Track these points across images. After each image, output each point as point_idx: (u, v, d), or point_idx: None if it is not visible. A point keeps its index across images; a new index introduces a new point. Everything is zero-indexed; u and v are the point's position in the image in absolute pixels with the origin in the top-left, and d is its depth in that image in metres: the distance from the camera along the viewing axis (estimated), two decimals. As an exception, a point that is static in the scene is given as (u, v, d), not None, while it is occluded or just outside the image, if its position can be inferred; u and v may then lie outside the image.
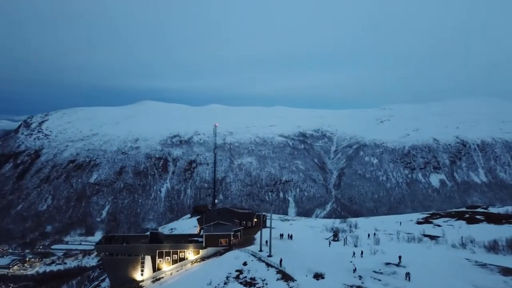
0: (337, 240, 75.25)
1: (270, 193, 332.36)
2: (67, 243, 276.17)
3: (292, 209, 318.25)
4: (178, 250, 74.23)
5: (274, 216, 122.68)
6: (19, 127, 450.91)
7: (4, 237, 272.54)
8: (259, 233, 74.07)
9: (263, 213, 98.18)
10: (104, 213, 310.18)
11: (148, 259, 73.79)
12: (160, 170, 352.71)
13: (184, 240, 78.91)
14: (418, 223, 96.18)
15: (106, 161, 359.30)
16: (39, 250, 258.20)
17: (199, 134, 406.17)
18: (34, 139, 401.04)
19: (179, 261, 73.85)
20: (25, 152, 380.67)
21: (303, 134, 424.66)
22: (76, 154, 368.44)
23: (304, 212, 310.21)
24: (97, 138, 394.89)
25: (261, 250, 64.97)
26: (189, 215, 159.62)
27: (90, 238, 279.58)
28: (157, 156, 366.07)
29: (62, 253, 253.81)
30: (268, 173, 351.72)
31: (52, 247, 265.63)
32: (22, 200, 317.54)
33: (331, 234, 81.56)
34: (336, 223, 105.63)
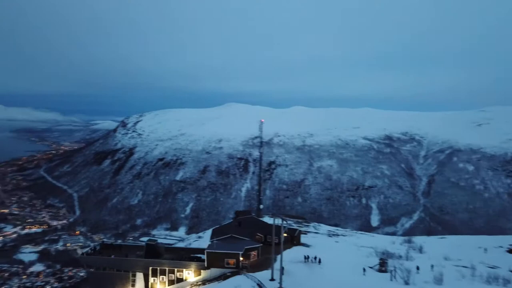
0: (384, 271, 58.36)
1: (351, 199, 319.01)
2: (153, 236, 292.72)
3: (375, 217, 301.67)
4: (176, 269, 60.18)
5: (323, 229, 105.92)
6: (117, 127, 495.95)
7: (101, 227, 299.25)
8: (285, 252, 59.25)
9: (297, 226, 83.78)
10: (188, 209, 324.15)
11: (140, 277, 61.37)
12: (241, 170, 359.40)
13: (186, 256, 64.63)
14: (510, 251, 71.02)
15: (191, 160, 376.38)
16: (129, 241, 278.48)
17: (279, 135, 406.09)
18: (129, 138, 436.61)
19: (176, 282, 60.11)
20: (121, 149, 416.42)
21: (389, 137, 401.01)
22: (164, 153, 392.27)
23: (388, 220, 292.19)
24: (184, 138, 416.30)
25: (272, 279, 52.49)
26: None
27: (174, 233, 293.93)
28: (238, 157, 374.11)
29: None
30: (349, 178, 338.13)
31: (141, 239, 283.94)
32: (117, 194, 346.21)
33: (378, 260, 62.62)
34: (397, 243, 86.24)
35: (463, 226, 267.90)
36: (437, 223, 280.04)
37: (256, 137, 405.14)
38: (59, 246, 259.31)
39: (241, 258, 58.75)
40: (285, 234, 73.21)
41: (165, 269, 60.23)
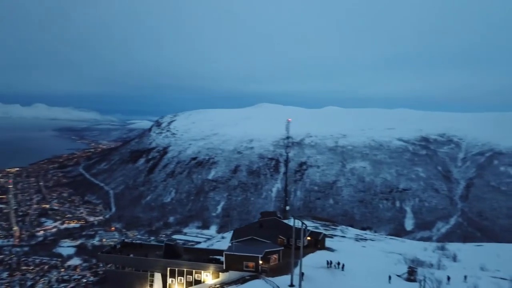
0: (413, 280, 54.31)
1: (384, 201, 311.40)
2: (185, 234, 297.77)
3: (409, 221, 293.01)
4: (194, 270, 58.50)
5: (351, 233, 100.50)
6: (152, 126, 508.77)
7: (135, 224, 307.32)
8: (308, 257, 58.88)
9: (322, 230, 79.28)
10: (219, 208, 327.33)
11: (158, 277, 60.27)
12: (272, 170, 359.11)
13: (204, 257, 62.69)
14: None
15: (223, 160, 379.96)
16: (161, 238, 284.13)
17: (310, 136, 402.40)
18: (163, 137, 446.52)
19: (194, 284, 58.56)
20: (155, 148, 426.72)
21: (426, 139, 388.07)
22: (197, 152, 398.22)
23: (423, 224, 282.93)
24: (216, 137, 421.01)
25: (291, 285, 49.91)
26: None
27: (205, 231, 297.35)
28: (269, 157, 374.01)
29: (181, 243, 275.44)
30: (383, 180, 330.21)
31: (173, 236, 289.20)
32: (151, 192, 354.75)
33: (407, 269, 58.04)
34: (429, 249, 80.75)
35: (503, 233, 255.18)
36: (476, 229, 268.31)
37: (287, 138, 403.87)
38: (95, 241, 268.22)
39: (260, 262, 56.21)
40: (308, 238, 71.19)
41: (183, 270, 58.71)
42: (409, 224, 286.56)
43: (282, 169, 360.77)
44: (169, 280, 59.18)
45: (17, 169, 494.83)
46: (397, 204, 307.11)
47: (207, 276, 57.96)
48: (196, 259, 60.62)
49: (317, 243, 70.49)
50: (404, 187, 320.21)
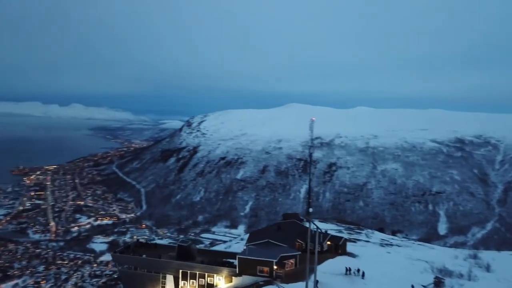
0: None
1: (416, 204, 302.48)
2: (214, 233, 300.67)
3: (443, 225, 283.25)
4: (206, 273, 56.09)
5: (376, 238, 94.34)
6: (182, 126, 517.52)
7: (165, 222, 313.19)
8: (326, 263, 56.13)
9: (344, 234, 75.02)
10: (247, 208, 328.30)
11: (170, 279, 58.38)
12: (300, 171, 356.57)
13: (218, 260, 59.35)
14: None
15: (252, 160, 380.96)
16: (190, 236, 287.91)
17: (340, 136, 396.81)
18: (194, 137, 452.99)
19: None
20: (185, 148, 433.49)
21: (461, 140, 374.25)
22: (226, 152, 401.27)
23: (458, 229, 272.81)
24: (245, 138, 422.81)
25: None
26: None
27: (233, 231, 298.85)
28: (298, 157, 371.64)
29: (209, 242, 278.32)
30: (415, 182, 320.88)
31: (201, 235, 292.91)
32: (181, 191, 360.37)
33: (433, 279, 53.09)
34: (460, 257, 73.82)
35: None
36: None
37: (316, 138, 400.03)
38: (127, 238, 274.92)
39: (275, 267, 53.02)
40: (328, 242, 67.93)
41: (196, 273, 56.55)
42: (442, 228, 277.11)
43: (311, 170, 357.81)
44: (181, 283, 57.57)
45: (55, 166, 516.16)
46: (430, 207, 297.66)
47: (220, 280, 55.57)
48: (210, 262, 58.08)
49: (338, 248, 67.27)
50: (438, 190, 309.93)
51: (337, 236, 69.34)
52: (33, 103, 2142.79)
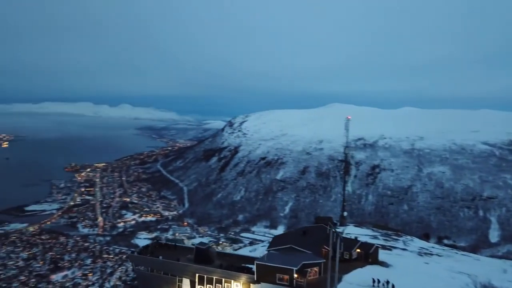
0: None
1: (465, 210, 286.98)
2: (253, 233, 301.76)
3: (494, 232, 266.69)
4: (224, 279, 53.26)
5: (414, 246, 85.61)
6: (224, 126, 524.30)
7: (206, 220, 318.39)
8: (354, 272, 52.53)
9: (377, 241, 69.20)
10: (287, 209, 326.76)
11: (186, 283, 56.32)
12: (342, 172, 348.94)
13: (237, 265, 56.01)
14: None
15: (292, 160, 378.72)
16: (230, 235, 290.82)
17: (385, 138, 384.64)
18: (235, 137, 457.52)
19: None
20: (227, 148, 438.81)
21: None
22: (266, 152, 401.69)
23: (511, 237, 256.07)
24: (285, 138, 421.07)
25: None
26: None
27: (273, 231, 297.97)
28: (339, 158, 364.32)
29: (249, 242, 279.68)
30: (464, 186, 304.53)
31: (241, 234, 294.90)
32: (222, 190, 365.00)
33: None
34: (510, 271, 66.30)
35: None
36: None
37: (359, 139, 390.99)
38: (169, 235, 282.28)
39: (295, 275, 49.55)
40: (358, 250, 62.96)
41: (212, 278, 53.73)
42: (494, 235, 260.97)
43: (353, 172, 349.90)
44: (197, 287, 55.39)
45: (104, 164, 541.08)
46: (481, 213, 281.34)
47: (238, 287, 52.94)
48: (227, 267, 55.07)
49: (368, 256, 62.26)
50: (489, 195, 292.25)
51: (368, 243, 64.93)
52: (85, 103, 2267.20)
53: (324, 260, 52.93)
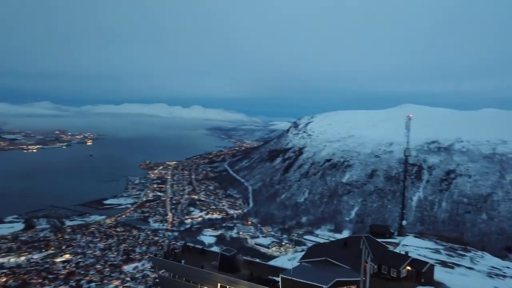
0: None
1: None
2: (317, 236, 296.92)
3: None
4: None
5: (484, 264, 72.00)
6: (290, 127, 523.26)
7: (269, 220, 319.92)
8: None
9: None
10: (353, 213, 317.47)
11: None
12: (413, 177, 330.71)
13: (262, 276, 49.96)
14: None
15: (359, 163, 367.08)
16: (293, 237, 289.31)
17: (461, 141, 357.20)
18: (300, 138, 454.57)
19: None
20: (291, 149, 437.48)
21: None
22: (332, 154, 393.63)
23: None
24: (352, 140, 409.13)
25: None
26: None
27: (337, 235, 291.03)
28: (410, 162, 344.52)
29: (312, 244, 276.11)
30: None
31: (304, 237, 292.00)
32: (286, 191, 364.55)
33: None
34: None
35: None
36: None
37: (432, 142, 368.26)
38: (233, 233, 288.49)
39: None
40: (408, 268, 54.95)
41: None
42: None
43: (426, 177, 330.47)
44: None
45: (175, 162, 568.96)
46: None
47: None
48: (252, 278, 49.34)
49: (420, 275, 54.21)
50: None
51: (421, 261, 56.90)
52: (160, 104, 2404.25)
53: (364, 278, 43.93)
